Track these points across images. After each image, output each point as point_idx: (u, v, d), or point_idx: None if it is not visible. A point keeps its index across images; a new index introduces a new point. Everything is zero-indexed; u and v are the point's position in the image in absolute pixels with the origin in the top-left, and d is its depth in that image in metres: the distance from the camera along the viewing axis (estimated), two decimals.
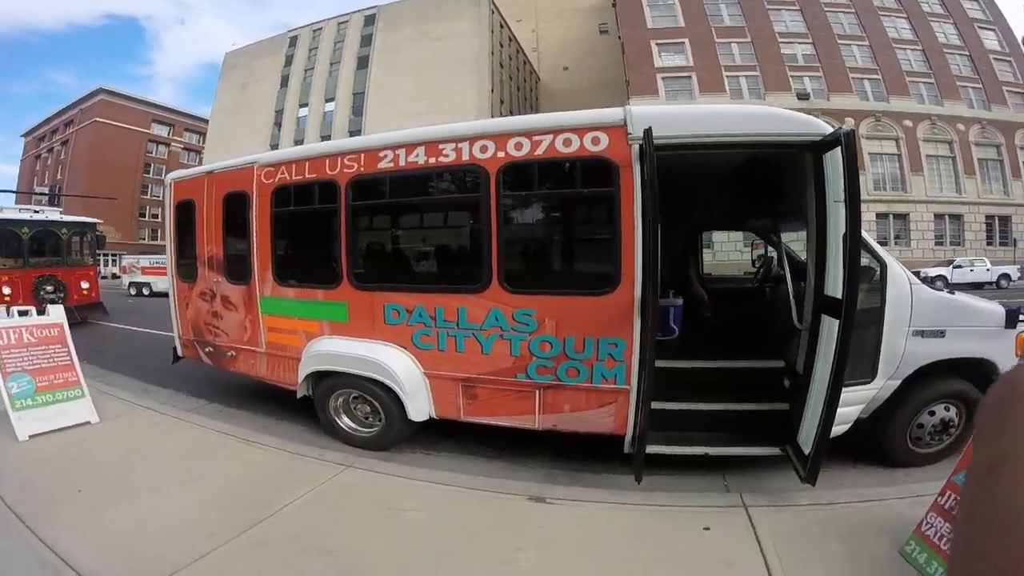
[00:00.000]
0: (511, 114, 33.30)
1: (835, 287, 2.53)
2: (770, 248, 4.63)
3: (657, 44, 28.93)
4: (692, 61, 28.43)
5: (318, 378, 3.62)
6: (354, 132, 30.11)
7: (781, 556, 1.98)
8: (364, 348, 3.36)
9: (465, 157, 3.00)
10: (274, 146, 32.69)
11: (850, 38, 28.38)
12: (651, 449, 2.68)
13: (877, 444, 2.91)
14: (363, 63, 34.72)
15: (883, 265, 2.72)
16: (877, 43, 28.03)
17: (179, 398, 4.80)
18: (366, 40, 35.33)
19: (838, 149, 2.45)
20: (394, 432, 3.39)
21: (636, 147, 2.65)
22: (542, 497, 2.56)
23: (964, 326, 2.78)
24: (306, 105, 35.60)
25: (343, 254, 3.44)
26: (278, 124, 36.06)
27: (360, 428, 3.60)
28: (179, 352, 4.82)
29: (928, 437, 2.90)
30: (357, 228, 3.51)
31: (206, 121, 43.81)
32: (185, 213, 4.42)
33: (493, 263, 2.95)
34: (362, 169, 3.35)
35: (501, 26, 37.18)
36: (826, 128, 2.58)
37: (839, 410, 2.54)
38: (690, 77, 28.13)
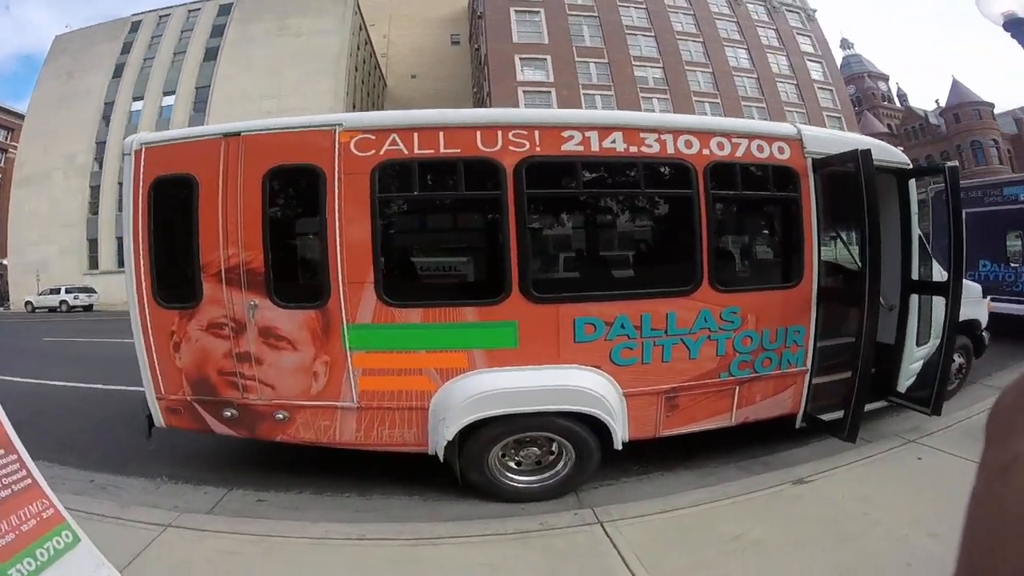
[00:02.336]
0: None
1: (915, 274, 4.90)
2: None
3: (521, 59, 38.98)
4: (553, 77, 39.01)
5: (468, 429, 3.77)
6: None
7: (972, 458, 3.93)
8: (557, 376, 3.84)
9: (670, 150, 3.99)
10: (100, 143, 39.64)
11: (696, 65, 42.88)
12: (827, 416, 4.45)
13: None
14: (212, 55, 41.73)
15: (932, 260, 5.28)
16: (720, 71, 43.05)
17: (169, 491, 4.35)
18: (218, 30, 42.53)
19: (915, 180, 4.85)
20: (589, 471, 3.99)
21: (810, 160, 4.30)
22: (801, 478, 3.89)
23: (968, 298, 5.50)
24: (141, 98, 41.49)
25: (512, 258, 3.75)
26: (106, 118, 41.11)
27: (537, 477, 4.02)
28: (158, 420, 4.03)
29: (954, 379, 5.67)
30: (531, 224, 3.90)
31: (20, 116, 50.67)
32: (171, 197, 3.95)
33: (704, 263, 4.02)
34: (539, 149, 3.80)
35: (361, 28, 48.01)
36: (907, 159, 4.98)
37: (914, 366, 5.01)
38: (550, 92, 38.33)
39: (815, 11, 49.99)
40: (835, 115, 46.29)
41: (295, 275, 3.96)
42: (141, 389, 4.11)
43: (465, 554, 3.22)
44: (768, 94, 44.09)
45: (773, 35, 46.93)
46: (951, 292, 4.47)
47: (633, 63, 41.25)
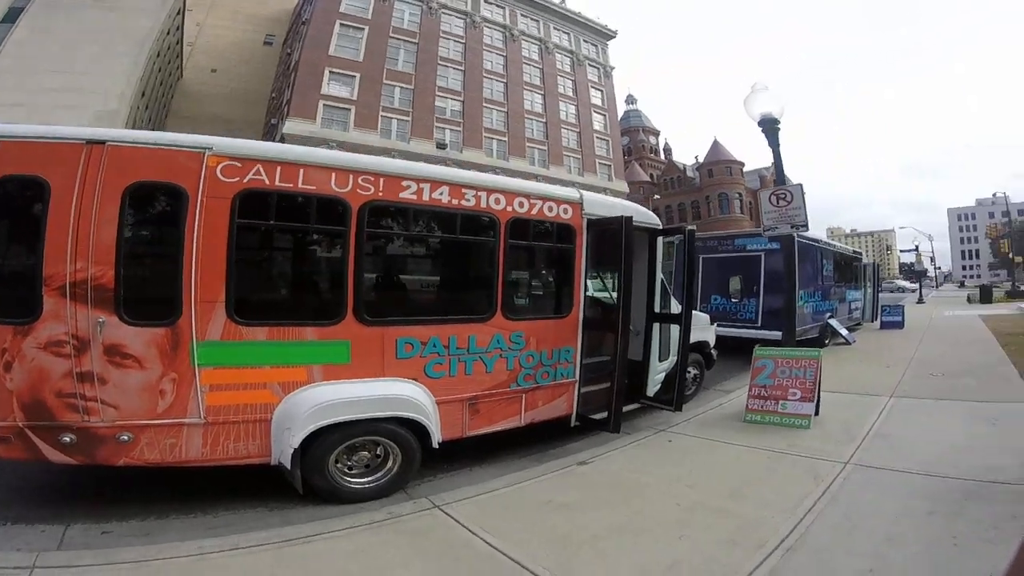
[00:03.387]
0: (148, 110, 40.73)
1: (657, 308, 6.82)
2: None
3: (331, 72, 39.51)
4: (357, 96, 40.13)
5: (310, 437, 4.33)
6: None
7: (709, 437, 6.05)
8: (384, 387, 4.73)
9: (483, 205, 5.27)
10: None
11: (494, 103, 47.16)
12: (596, 416, 6.06)
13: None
14: (13, 16, 36.99)
15: (670, 296, 7.26)
16: (514, 112, 47.82)
17: (18, 534, 3.91)
18: None
19: (662, 237, 6.82)
20: (414, 468, 4.91)
21: (586, 220, 5.96)
22: (584, 460, 5.40)
23: (698, 325, 7.70)
24: None
25: (349, 286, 4.55)
26: None
27: (372, 477, 4.77)
28: None
29: (691, 386, 7.84)
30: (368, 257, 4.76)
31: None
32: (14, 200, 3.83)
33: (498, 296, 5.37)
34: (381, 194, 4.71)
35: (179, 11, 45.88)
36: (659, 221, 6.91)
37: (658, 376, 6.92)
38: (350, 110, 39.63)
39: (613, 68, 58.88)
40: (607, 163, 55.13)
41: (146, 292, 4.08)
42: None
43: (337, 546, 3.76)
44: (551, 138, 50.88)
45: (570, 85, 54.19)
46: (683, 321, 6.47)
47: (437, 93, 44.77)
